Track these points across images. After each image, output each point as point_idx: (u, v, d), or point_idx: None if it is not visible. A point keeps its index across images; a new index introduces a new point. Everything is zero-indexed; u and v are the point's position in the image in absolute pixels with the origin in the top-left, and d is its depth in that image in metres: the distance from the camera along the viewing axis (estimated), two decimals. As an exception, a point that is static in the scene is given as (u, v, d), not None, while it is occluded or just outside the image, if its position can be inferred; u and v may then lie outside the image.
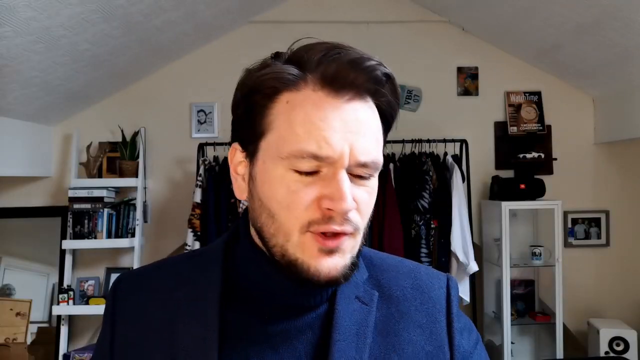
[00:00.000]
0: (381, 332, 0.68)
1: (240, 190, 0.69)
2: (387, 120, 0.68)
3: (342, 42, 0.64)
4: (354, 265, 0.65)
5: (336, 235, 0.62)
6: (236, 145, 0.69)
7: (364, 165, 0.62)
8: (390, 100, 0.66)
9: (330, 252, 0.62)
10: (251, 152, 0.66)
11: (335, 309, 0.67)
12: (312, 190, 0.61)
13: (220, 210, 3.18)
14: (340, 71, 0.61)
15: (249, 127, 0.65)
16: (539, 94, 3.65)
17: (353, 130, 0.61)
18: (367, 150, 0.62)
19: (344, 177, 0.61)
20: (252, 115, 0.64)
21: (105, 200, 3.28)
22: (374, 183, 0.66)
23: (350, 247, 0.64)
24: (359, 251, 0.67)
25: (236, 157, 0.69)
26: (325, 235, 0.62)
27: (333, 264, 0.62)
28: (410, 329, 0.69)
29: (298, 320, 0.66)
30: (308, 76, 0.62)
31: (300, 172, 0.61)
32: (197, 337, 0.65)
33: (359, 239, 0.65)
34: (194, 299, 0.68)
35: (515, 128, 3.59)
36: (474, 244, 3.33)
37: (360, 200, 0.63)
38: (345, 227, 0.62)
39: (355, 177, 0.63)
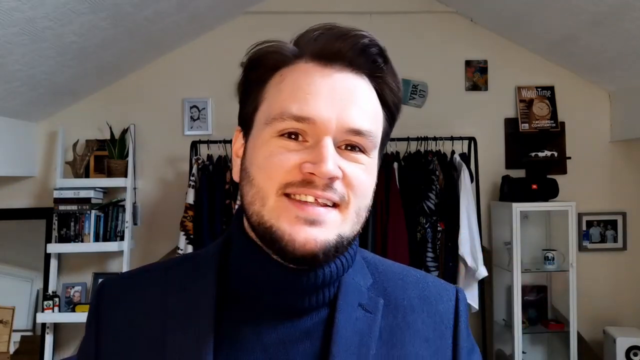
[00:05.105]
0: (386, 343, 0.66)
1: (235, 172, 0.70)
2: (389, 106, 0.69)
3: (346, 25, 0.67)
4: (340, 246, 0.63)
5: (318, 204, 0.61)
6: (239, 128, 0.71)
7: (355, 132, 0.63)
8: (388, 81, 0.67)
9: (311, 222, 0.61)
10: (248, 129, 0.68)
11: (335, 317, 0.66)
12: (294, 156, 0.62)
13: (214, 212, 3.18)
14: (327, 42, 0.64)
15: (247, 102, 0.69)
16: (551, 88, 3.65)
17: (342, 97, 0.63)
18: (358, 117, 0.63)
19: (327, 142, 0.61)
20: (251, 89, 0.68)
21: (93, 201, 3.28)
22: (369, 162, 0.65)
23: (336, 221, 0.63)
24: (354, 237, 0.66)
25: (238, 140, 0.71)
26: (304, 202, 0.61)
27: (312, 235, 0.61)
28: (416, 342, 0.68)
29: (293, 328, 0.65)
30: (303, 53, 0.66)
31: (283, 137, 0.63)
32: (189, 351, 0.64)
33: (348, 215, 0.64)
34: (187, 308, 0.67)
35: (526, 125, 3.59)
36: (483, 247, 3.33)
37: (349, 174, 0.63)
38: (327, 193, 0.61)
39: (346, 150, 0.64)
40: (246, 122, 0.69)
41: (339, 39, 0.64)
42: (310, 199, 0.61)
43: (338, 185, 0.62)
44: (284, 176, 0.61)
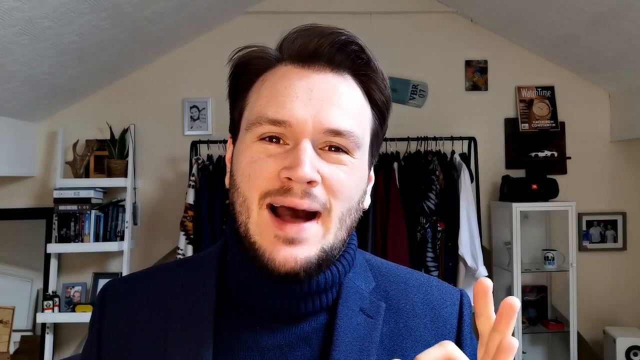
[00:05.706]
0: (387, 350, 0.66)
1: (227, 179, 0.71)
2: (377, 105, 0.68)
3: (327, 24, 0.66)
4: (323, 260, 0.63)
5: (296, 219, 0.61)
6: (230, 135, 0.72)
7: (334, 133, 0.62)
8: (374, 79, 0.66)
9: (290, 241, 0.61)
10: (235, 135, 0.69)
11: (335, 323, 0.65)
12: (274, 162, 0.61)
13: (214, 212, 3.18)
14: (305, 43, 0.64)
15: (234, 109, 0.69)
16: (552, 88, 3.65)
17: (320, 98, 0.62)
18: (337, 117, 0.62)
19: (304, 145, 0.61)
20: (236, 95, 0.69)
21: (93, 201, 3.28)
22: (354, 163, 0.64)
23: (317, 235, 0.62)
24: (343, 243, 0.65)
25: (229, 147, 0.72)
26: (284, 219, 0.61)
27: (291, 255, 0.60)
28: (417, 348, 0.66)
29: (291, 333, 0.65)
30: (284, 56, 0.66)
31: (264, 141, 0.62)
32: (189, 353, 0.64)
33: (331, 226, 0.63)
34: (188, 310, 0.67)
35: (526, 125, 3.59)
36: (483, 247, 3.34)
37: (329, 177, 0.61)
38: (305, 201, 0.60)
39: (327, 151, 0.63)
40: (234, 129, 0.69)
41: (315, 38, 0.63)
42: (290, 207, 0.61)
43: (318, 191, 0.61)
44: (264, 184, 0.61)
